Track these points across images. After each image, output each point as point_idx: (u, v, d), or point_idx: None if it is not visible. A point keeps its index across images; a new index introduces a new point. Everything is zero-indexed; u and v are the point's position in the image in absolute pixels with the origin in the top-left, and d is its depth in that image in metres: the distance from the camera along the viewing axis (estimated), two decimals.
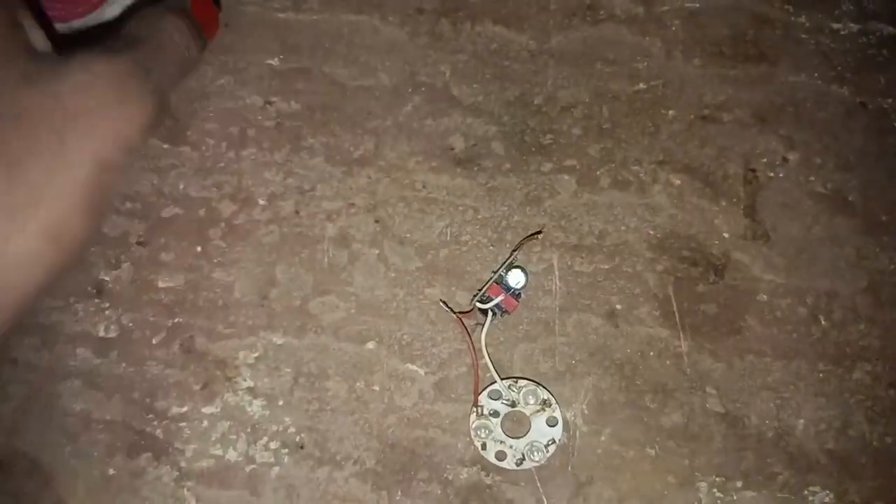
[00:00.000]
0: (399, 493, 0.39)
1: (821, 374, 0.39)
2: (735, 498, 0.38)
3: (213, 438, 0.41)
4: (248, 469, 0.40)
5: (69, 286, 0.43)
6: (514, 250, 0.40)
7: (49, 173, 0.23)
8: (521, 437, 0.39)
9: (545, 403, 0.39)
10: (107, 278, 0.43)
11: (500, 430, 0.39)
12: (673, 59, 0.44)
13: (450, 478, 0.39)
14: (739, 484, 0.38)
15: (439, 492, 0.39)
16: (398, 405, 0.40)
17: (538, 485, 0.39)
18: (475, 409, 0.39)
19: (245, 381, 0.41)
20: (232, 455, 0.40)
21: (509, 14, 0.46)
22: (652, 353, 0.40)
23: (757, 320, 0.40)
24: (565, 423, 0.39)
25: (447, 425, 0.40)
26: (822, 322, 0.40)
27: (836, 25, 0.45)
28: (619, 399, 0.39)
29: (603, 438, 0.39)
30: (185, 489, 0.40)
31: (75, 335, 0.42)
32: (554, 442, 0.39)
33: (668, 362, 0.40)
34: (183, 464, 0.40)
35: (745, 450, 0.38)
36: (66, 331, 0.42)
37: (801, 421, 0.39)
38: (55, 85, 0.24)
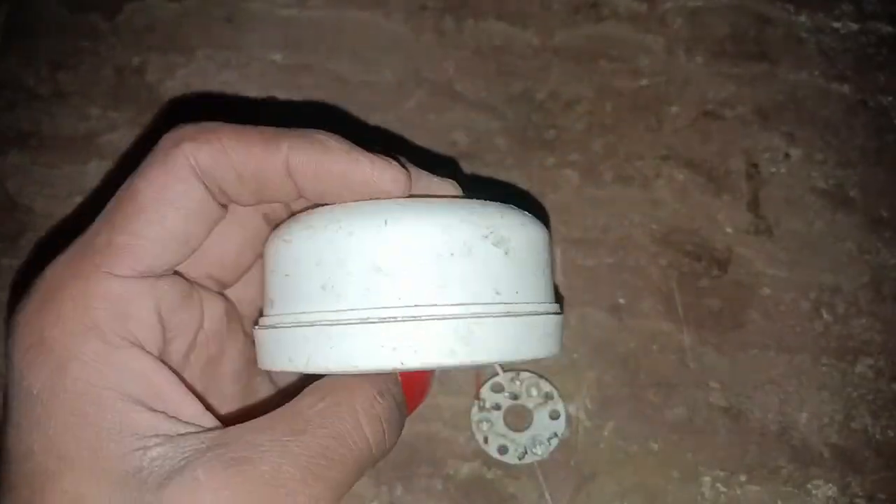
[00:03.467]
0: (400, 488, 0.39)
1: (823, 368, 0.39)
2: (738, 492, 0.38)
3: None
4: None
5: None
6: None
7: None
8: (524, 430, 0.39)
9: (547, 396, 0.39)
10: None
11: (501, 423, 0.39)
12: (676, 57, 0.45)
13: (451, 472, 0.39)
14: (743, 478, 0.38)
15: (440, 486, 0.39)
16: None
17: (540, 479, 0.39)
18: (477, 403, 0.39)
19: None
20: None
21: (513, 11, 0.46)
22: (655, 348, 0.40)
23: (760, 314, 0.40)
24: (568, 417, 0.39)
25: (448, 419, 0.40)
26: (825, 316, 0.40)
27: (836, 25, 0.45)
28: (622, 393, 0.39)
29: (606, 433, 0.39)
30: None
31: None
32: (556, 436, 0.39)
33: (671, 356, 0.40)
34: None
35: (748, 444, 0.38)
36: None
37: (805, 415, 0.39)
38: None
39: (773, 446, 0.38)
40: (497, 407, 0.39)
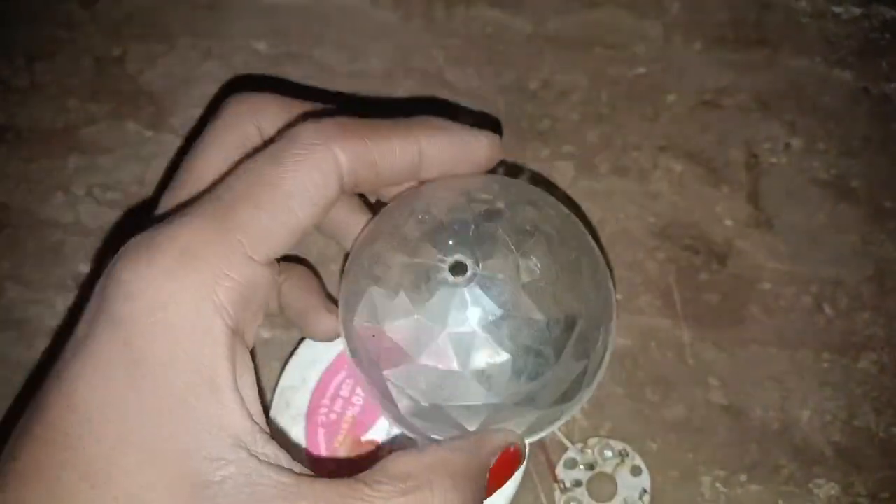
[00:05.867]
0: None
1: (826, 364, 0.38)
2: (739, 492, 0.37)
3: None
4: None
5: (48, 279, 0.41)
6: None
7: None
8: (612, 498, 0.37)
9: (622, 454, 0.37)
10: (86, 271, 0.41)
11: (588, 499, 0.37)
12: (673, 43, 0.43)
13: None
14: (743, 477, 0.37)
15: None
16: None
17: (536, 481, 0.38)
18: (557, 486, 0.38)
19: None
20: None
21: None
22: (653, 344, 0.39)
23: (760, 309, 0.39)
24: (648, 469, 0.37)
25: None
26: (827, 311, 0.39)
27: (837, 9, 0.44)
28: (618, 392, 0.38)
29: (603, 433, 0.38)
30: None
31: (54, 329, 0.41)
32: (646, 491, 0.37)
33: (669, 353, 0.39)
34: None
35: (748, 442, 0.37)
36: (44, 325, 0.41)
37: (806, 412, 0.38)
38: None
39: (774, 445, 0.37)
40: (578, 483, 0.37)
